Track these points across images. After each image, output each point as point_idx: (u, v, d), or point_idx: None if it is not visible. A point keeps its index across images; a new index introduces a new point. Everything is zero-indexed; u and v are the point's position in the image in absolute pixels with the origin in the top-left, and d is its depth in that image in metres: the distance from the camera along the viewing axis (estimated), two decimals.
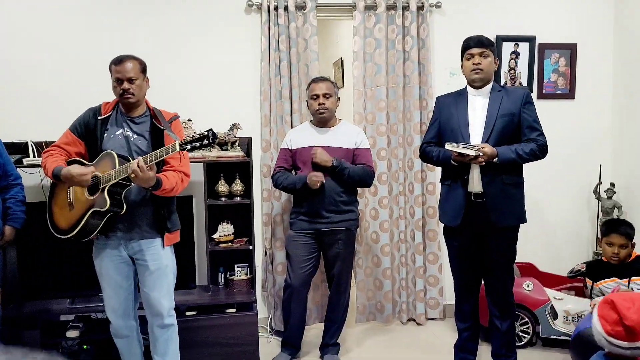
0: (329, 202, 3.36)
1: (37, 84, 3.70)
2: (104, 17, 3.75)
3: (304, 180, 3.33)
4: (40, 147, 3.52)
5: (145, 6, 3.79)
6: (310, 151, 3.37)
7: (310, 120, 3.57)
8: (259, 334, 3.67)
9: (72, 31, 3.72)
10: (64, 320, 3.63)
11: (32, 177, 3.59)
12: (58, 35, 3.71)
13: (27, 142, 3.55)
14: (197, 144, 2.54)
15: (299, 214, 3.47)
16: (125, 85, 2.74)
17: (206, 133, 2.54)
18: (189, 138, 2.56)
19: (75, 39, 3.72)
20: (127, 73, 2.74)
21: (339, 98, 3.53)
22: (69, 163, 2.78)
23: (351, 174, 3.34)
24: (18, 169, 3.29)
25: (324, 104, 3.40)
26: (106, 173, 2.66)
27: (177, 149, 2.54)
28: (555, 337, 3.61)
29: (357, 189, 3.56)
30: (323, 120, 3.46)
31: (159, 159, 2.61)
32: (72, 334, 3.46)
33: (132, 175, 2.58)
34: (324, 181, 3.31)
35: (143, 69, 2.82)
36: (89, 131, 2.81)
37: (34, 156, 3.53)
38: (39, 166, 3.34)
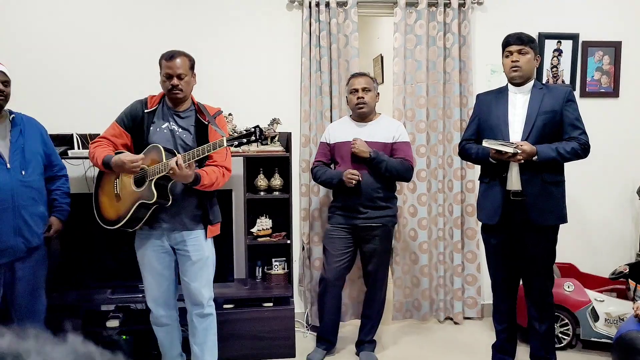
0: (366, 197, 3.36)
1: (82, 77, 3.77)
2: (148, 12, 3.81)
3: (340, 177, 3.34)
4: (85, 139, 3.60)
5: (190, 2, 3.84)
6: (349, 145, 3.38)
7: (350, 115, 3.58)
8: (296, 329, 3.68)
9: (117, 25, 3.79)
10: (104, 310, 3.70)
11: (77, 169, 3.67)
12: (103, 29, 3.78)
13: (72, 134, 3.63)
14: (244, 140, 2.58)
15: (336, 208, 3.48)
16: (175, 81, 2.79)
17: (253, 130, 2.57)
18: (236, 134, 2.60)
19: (120, 32, 3.79)
20: (177, 69, 2.79)
21: (378, 93, 3.53)
22: (117, 154, 2.83)
23: (389, 167, 3.33)
24: (63, 161, 3.37)
25: (362, 98, 3.41)
26: (153, 166, 2.71)
27: (225, 144, 2.59)
28: (596, 339, 3.54)
29: (396, 185, 3.55)
30: (362, 114, 3.46)
31: (205, 154, 2.65)
32: (112, 323, 3.51)
33: (171, 172, 2.62)
34: (360, 179, 3.31)
35: (192, 65, 2.87)
36: (136, 123, 2.86)
37: (78, 148, 3.61)
38: (84, 158, 3.42)
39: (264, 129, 2.59)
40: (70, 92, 3.77)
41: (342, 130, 3.50)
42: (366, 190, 3.35)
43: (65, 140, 3.63)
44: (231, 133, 2.69)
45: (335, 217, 3.48)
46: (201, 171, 2.77)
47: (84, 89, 3.77)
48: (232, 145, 2.60)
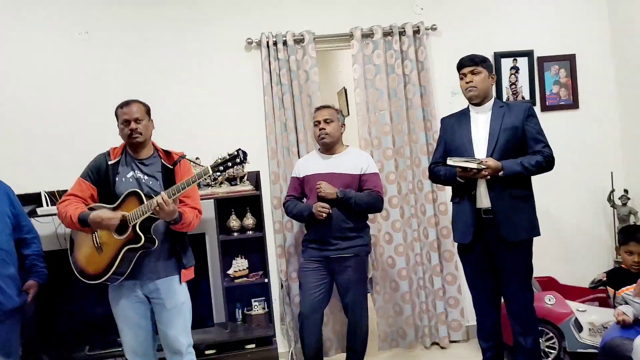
0: (336, 229, 3.37)
1: (45, 134, 3.78)
2: (108, 64, 3.84)
3: (310, 210, 3.37)
4: (54, 196, 3.58)
5: (148, 48, 3.89)
6: (316, 180, 3.40)
7: (318, 149, 3.60)
8: None
9: (78, 80, 3.82)
10: None
11: (47, 227, 3.63)
12: (64, 85, 3.81)
13: (39, 192, 3.61)
14: (230, 164, 2.62)
15: (309, 241, 3.50)
16: (133, 125, 2.84)
17: (236, 153, 2.63)
18: (219, 160, 2.65)
19: (81, 87, 3.82)
20: (134, 114, 2.85)
21: (343, 124, 3.56)
22: (90, 209, 2.83)
23: (357, 202, 3.35)
24: (32, 220, 3.35)
25: (324, 129, 3.44)
26: (134, 210, 2.72)
27: (210, 172, 2.63)
28: (582, 350, 3.52)
29: (367, 214, 3.56)
30: (325, 145, 3.50)
31: (190, 185, 2.69)
32: None
33: (157, 209, 2.64)
34: (330, 212, 3.32)
35: (147, 111, 2.94)
36: (101, 176, 2.87)
37: (47, 205, 3.59)
38: (53, 215, 3.39)
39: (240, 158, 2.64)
40: (35, 150, 3.77)
41: (311, 163, 3.54)
42: (336, 221, 3.36)
43: (32, 199, 3.60)
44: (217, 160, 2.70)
45: (308, 250, 3.48)
46: (180, 210, 2.79)
47: (49, 147, 3.78)
48: (217, 172, 2.64)
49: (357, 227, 3.42)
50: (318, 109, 3.57)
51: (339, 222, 3.36)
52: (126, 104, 2.88)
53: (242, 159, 2.63)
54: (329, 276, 3.46)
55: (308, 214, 3.39)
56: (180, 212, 2.78)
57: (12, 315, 2.91)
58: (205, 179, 3.66)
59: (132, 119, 2.84)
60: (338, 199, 3.33)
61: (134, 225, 2.71)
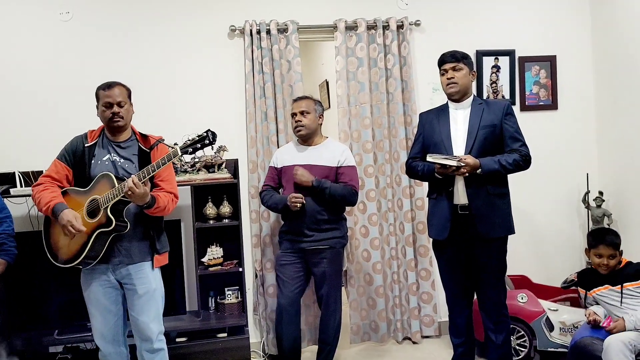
0: (311, 221, 3.36)
1: (23, 114, 3.73)
2: (88, 45, 3.80)
3: (285, 202, 3.36)
4: (28, 177, 3.53)
5: (130, 33, 3.85)
6: (293, 170, 3.39)
7: (297, 139, 3.59)
8: (252, 359, 3.60)
9: (58, 60, 3.77)
10: (52, 352, 3.59)
11: (20, 208, 3.59)
12: (44, 65, 3.76)
13: (14, 172, 3.56)
14: (199, 145, 2.59)
15: (285, 233, 3.50)
16: (115, 108, 2.82)
17: (205, 134, 2.60)
18: (188, 141, 2.61)
19: (61, 68, 3.77)
20: (117, 97, 2.82)
21: (321, 116, 3.55)
22: (64, 192, 2.82)
23: (332, 192, 3.34)
24: (6, 200, 3.30)
25: (300, 121, 3.43)
26: (106, 193, 2.70)
27: (179, 153, 2.60)
28: (552, 349, 3.55)
29: (344, 207, 3.56)
30: (302, 137, 3.49)
31: (160, 168, 2.66)
32: None
33: (129, 193, 2.62)
34: (304, 202, 3.31)
35: (129, 94, 2.92)
36: (77, 158, 2.86)
37: (21, 186, 3.54)
38: (27, 196, 3.35)
39: (215, 133, 2.62)
40: (11, 129, 3.72)
41: (288, 154, 3.53)
42: (311, 213, 3.35)
43: (7, 179, 3.56)
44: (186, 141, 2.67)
45: (285, 242, 3.49)
46: (154, 193, 2.78)
47: (25, 126, 3.73)
48: (186, 153, 2.61)
49: (332, 219, 3.42)
50: (295, 100, 3.56)
51: (314, 213, 3.36)
52: (108, 86, 2.84)
53: (210, 140, 2.60)
54: (305, 268, 3.46)
55: (282, 206, 3.40)
56: (153, 196, 2.75)
57: None
58: (184, 166, 3.70)
59: (115, 102, 2.82)
60: (313, 187, 3.32)
61: (106, 209, 2.69)
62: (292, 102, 3.59)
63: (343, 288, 3.80)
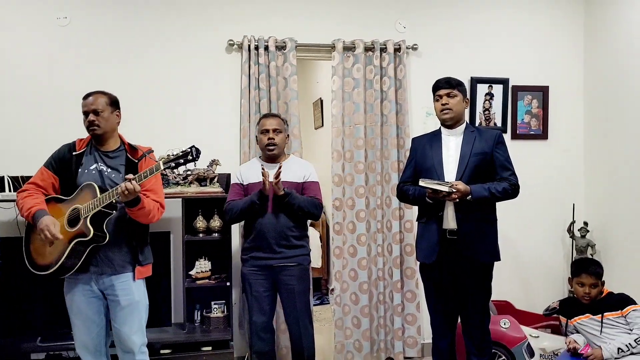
0: (280, 236, 3.33)
1: (13, 119, 3.70)
2: (83, 55, 3.79)
3: (251, 198, 3.29)
4: (17, 181, 3.50)
5: (126, 44, 3.84)
6: (259, 187, 3.30)
7: (260, 156, 3.57)
8: None
9: (51, 68, 3.75)
10: None
11: (7, 212, 3.55)
12: (37, 72, 3.74)
13: (2, 176, 3.54)
14: (182, 161, 2.60)
15: (249, 250, 3.41)
16: (91, 117, 2.83)
17: (189, 150, 2.61)
18: (172, 156, 2.62)
19: (53, 75, 3.75)
20: (91, 105, 2.83)
21: (288, 135, 3.58)
22: (47, 200, 2.81)
23: (301, 203, 3.32)
24: None
25: (273, 139, 3.41)
26: (87, 202, 2.69)
27: (162, 167, 2.62)
28: None
29: (307, 224, 3.55)
30: (272, 155, 3.45)
31: (142, 180, 2.66)
32: None
33: (126, 193, 2.61)
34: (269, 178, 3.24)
35: (111, 102, 2.89)
36: (64, 167, 2.85)
37: (9, 191, 3.51)
38: (14, 200, 3.32)
39: (199, 150, 2.64)
40: (1, 133, 3.68)
41: (254, 171, 3.41)
42: (280, 228, 3.32)
43: None
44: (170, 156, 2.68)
45: (250, 260, 3.40)
46: (140, 195, 2.74)
47: (16, 131, 3.70)
48: (169, 168, 2.63)
49: (300, 235, 3.41)
50: (266, 116, 3.52)
51: (283, 229, 3.33)
52: (87, 95, 2.87)
53: (194, 156, 2.61)
54: (273, 286, 3.41)
55: (249, 202, 3.30)
56: (138, 196, 2.72)
57: None
58: (175, 178, 3.70)
59: (90, 111, 2.82)
60: (286, 194, 3.26)
61: (85, 219, 2.69)
62: (260, 118, 3.55)
63: (329, 306, 3.80)
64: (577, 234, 4.23)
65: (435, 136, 3.28)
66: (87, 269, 2.78)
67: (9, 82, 3.70)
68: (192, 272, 3.73)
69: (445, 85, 3.17)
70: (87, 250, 2.72)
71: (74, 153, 2.87)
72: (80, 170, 2.83)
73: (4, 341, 3.42)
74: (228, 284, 3.70)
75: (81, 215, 2.70)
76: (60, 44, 3.77)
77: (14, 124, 3.70)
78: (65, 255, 2.71)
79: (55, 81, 3.75)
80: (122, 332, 2.86)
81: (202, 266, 3.74)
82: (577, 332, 3.31)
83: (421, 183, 3.03)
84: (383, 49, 4.04)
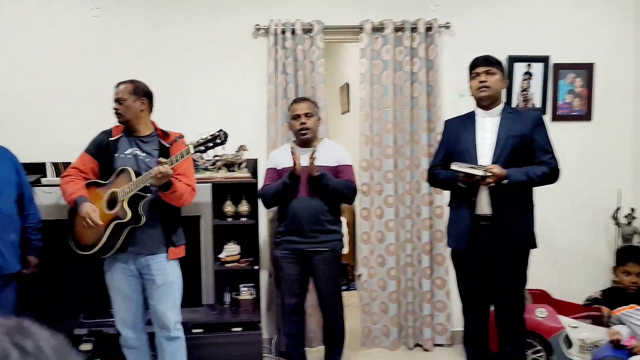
0: (314, 221, 3.33)
1: (55, 106, 3.86)
2: (117, 39, 3.89)
3: (283, 181, 3.31)
4: (58, 167, 3.69)
5: (153, 32, 3.91)
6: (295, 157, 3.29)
7: (293, 141, 3.55)
8: (263, 354, 3.69)
9: (87, 53, 3.87)
10: (77, 334, 3.75)
11: (50, 197, 3.74)
12: (74, 58, 3.86)
13: (44, 163, 3.72)
14: (211, 144, 2.73)
15: (283, 234, 3.43)
16: (115, 105, 2.99)
17: (217, 133, 2.73)
18: (201, 140, 2.74)
19: (90, 60, 3.87)
20: (117, 95, 3.00)
21: (320, 118, 3.54)
22: (88, 185, 2.98)
23: (336, 185, 3.30)
24: (37, 189, 3.47)
25: (305, 124, 3.38)
26: (124, 186, 2.85)
27: (192, 151, 2.74)
28: None
29: (341, 209, 3.54)
30: (305, 140, 3.43)
31: (173, 164, 2.78)
32: (85, 347, 3.58)
33: (159, 176, 2.73)
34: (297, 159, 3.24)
35: (136, 90, 3.00)
36: (102, 152, 3.02)
37: (51, 176, 3.70)
38: (56, 185, 3.50)
39: (227, 134, 2.74)
40: (43, 121, 3.85)
41: (287, 155, 3.37)
42: (314, 212, 3.32)
43: (37, 169, 3.71)
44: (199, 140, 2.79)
45: (283, 243, 3.43)
46: (172, 179, 2.85)
47: (57, 118, 3.86)
48: (199, 151, 2.76)
49: (334, 220, 3.40)
50: (296, 101, 3.50)
51: (317, 213, 3.33)
52: (117, 84, 3.02)
53: (222, 139, 2.73)
54: (306, 268, 3.43)
55: (282, 185, 3.31)
56: (171, 180, 2.83)
57: (10, 281, 3.05)
58: (205, 163, 3.78)
59: (115, 100, 2.99)
60: (321, 175, 3.25)
61: (123, 201, 2.84)
62: (291, 104, 3.53)
63: (355, 292, 3.80)
64: (623, 220, 3.99)
65: (469, 118, 3.14)
66: (125, 249, 2.93)
67: (47, 72, 3.85)
68: (222, 256, 3.82)
69: (483, 63, 3.03)
70: (125, 232, 2.88)
71: (110, 139, 3.02)
72: (116, 155, 2.99)
73: (49, 317, 3.62)
74: (256, 267, 3.77)
75: (118, 199, 2.86)
76: (95, 33, 3.88)
77: (54, 112, 3.86)
78: (105, 236, 2.88)
79: (91, 69, 3.87)
80: (158, 309, 3.02)
81: (231, 250, 3.82)
82: (621, 323, 3.13)
83: (453, 167, 2.93)
84: (414, 29, 3.91)
